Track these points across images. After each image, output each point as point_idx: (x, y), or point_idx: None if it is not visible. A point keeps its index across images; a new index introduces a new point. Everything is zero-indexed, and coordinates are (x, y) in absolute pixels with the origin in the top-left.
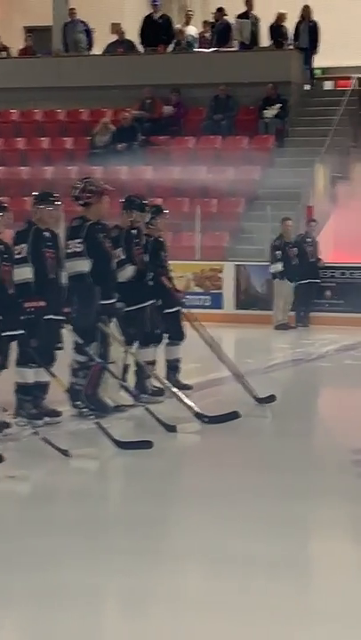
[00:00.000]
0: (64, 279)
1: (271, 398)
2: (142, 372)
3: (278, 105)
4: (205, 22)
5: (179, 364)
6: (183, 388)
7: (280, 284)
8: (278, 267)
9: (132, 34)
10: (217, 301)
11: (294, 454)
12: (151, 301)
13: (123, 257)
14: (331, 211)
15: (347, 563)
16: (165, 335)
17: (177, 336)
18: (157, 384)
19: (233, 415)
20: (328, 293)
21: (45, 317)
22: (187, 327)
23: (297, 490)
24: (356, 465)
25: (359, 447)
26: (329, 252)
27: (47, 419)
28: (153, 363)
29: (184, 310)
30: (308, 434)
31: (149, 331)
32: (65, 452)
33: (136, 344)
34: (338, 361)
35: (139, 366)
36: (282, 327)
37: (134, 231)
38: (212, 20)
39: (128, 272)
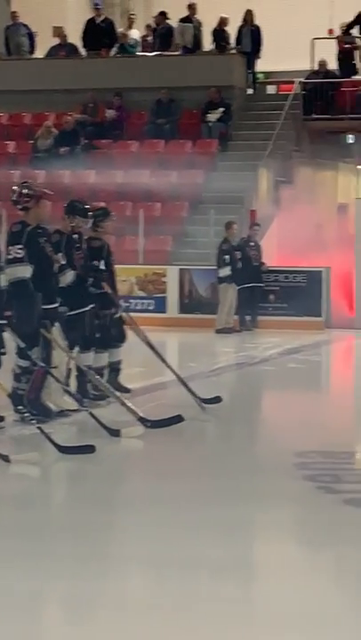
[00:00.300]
0: (3, 283)
1: (217, 399)
2: (83, 376)
3: (221, 109)
4: (148, 26)
5: (119, 367)
6: (123, 390)
7: (225, 287)
8: (227, 271)
9: (75, 37)
10: (160, 305)
11: (238, 458)
12: (91, 306)
13: (63, 262)
14: (274, 214)
15: (291, 565)
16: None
17: (119, 338)
18: (99, 389)
19: (176, 419)
20: (272, 297)
21: None
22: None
23: (241, 493)
24: (299, 468)
25: (302, 450)
26: (272, 255)
27: None
28: (102, 368)
29: (124, 314)
30: (251, 437)
31: (90, 335)
32: (5, 458)
33: (77, 348)
34: (281, 364)
35: (79, 371)
36: (225, 331)
37: (76, 236)
38: (154, 23)
39: (68, 277)
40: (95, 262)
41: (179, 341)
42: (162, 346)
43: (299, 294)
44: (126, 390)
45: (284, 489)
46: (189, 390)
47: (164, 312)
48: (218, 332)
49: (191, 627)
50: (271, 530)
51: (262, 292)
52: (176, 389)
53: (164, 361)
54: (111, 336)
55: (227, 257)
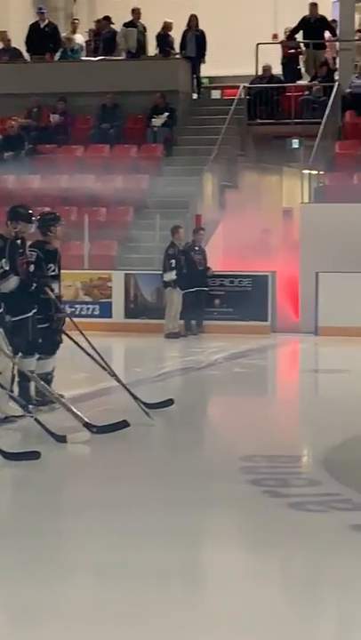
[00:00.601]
0: None
1: (169, 402)
2: (25, 381)
3: (166, 114)
4: (92, 31)
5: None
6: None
7: (171, 292)
8: (172, 275)
9: (19, 42)
10: (106, 310)
11: (184, 463)
12: (34, 311)
13: (6, 268)
14: (219, 219)
15: (237, 570)
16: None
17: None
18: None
19: (122, 424)
20: (217, 302)
21: None
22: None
23: (187, 498)
24: (244, 472)
25: (248, 454)
26: (218, 260)
27: None
28: (48, 373)
29: (67, 320)
30: (197, 442)
31: (33, 340)
32: None
33: (19, 354)
34: (227, 369)
35: (22, 376)
36: (173, 336)
37: (19, 242)
38: (98, 28)
39: (12, 283)
40: (51, 265)
41: (125, 346)
42: (108, 351)
43: (244, 299)
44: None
45: (229, 493)
46: (133, 396)
47: (109, 317)
48: (166, 336)
49: (138, 633)
50: (217, 534)
51: (208, 296)
52: (121, 394)
53: (105, 368)
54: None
55: (173, 261)
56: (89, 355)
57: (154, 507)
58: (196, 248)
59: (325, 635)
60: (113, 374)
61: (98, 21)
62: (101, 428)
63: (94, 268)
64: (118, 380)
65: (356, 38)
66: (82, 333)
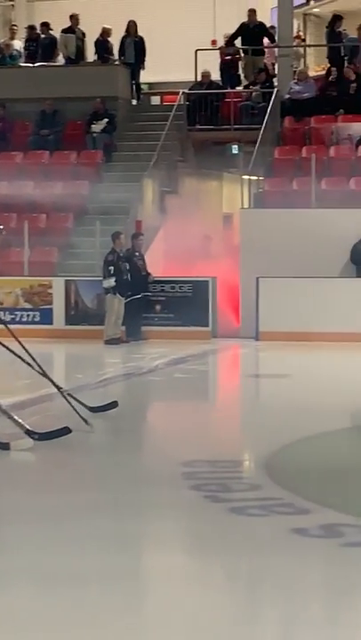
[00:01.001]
0: None
1: (112, 405)
2: None
3: (106, 120)
4: (30, 37)
5: None
6: None
7: (111, 298)
8: (111, 282)
9: None
10: (46, 317)
11: (125, 469)
12: None
13: None
14: (160, 225)
15: (179, 576)
16: None
17: None
18: None
19: (64, 431)
20: (158, 307)
21: None
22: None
23: (129, 504)
24: (185, 477)
25: (189, 459)
26: (158, 265)
27: None
28: None
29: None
30: (138, 448)
31: None
32: None
33: None
34: (168, 374)
35: None
36: (113, 342)
37: None
38: (36, 34)
39: None
40: None
41: (66, 353)
42: (49, 358)
43: (185, 304)
44: None
45: (171, 499)
46: (71, 404)
47: (50, 324)
48: (107, 342)
49: (81, 638)
50: (159, 540)
51: (148, 302)
52: (63, 401)
53: (44, 375)
54: None
55: (111, 268)
56: (26, 362)
57: (96, 513)
58: (137, 254)
59: (269, 637)
60: (52, 382)
61: (31, 27)
62: (43, 434)
63: (34, 274)
64: (56, 387)
65: (295, 44)
66: (17, 340)
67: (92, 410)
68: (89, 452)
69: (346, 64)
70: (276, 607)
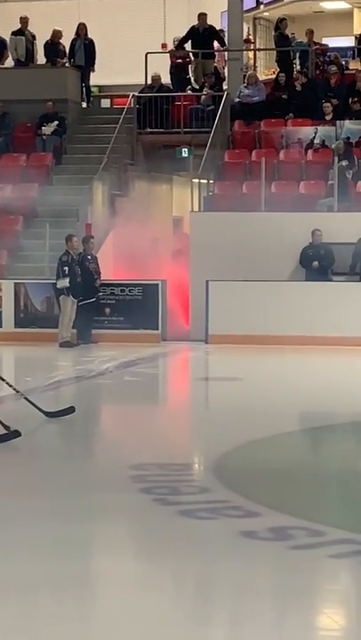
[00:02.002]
0: None
1: (69, 410)
2: None
3: (56, 122)
4: None
5: None
6: None
7: (65, 300)
8: (66, 282)
9: None
10: None
11: (75, 473)
12: None
13: None
14: (110, 228)
15: (128, 580)
16: None
17: None
18: None
19: (13, 434)
20: (108, 310)
21: None
22: None
23: (77, 509)
24: (135, 481)
25: (138, 463)
26: (108, 268)
27: None
28: None
29: None
30: (88, 451)
31: None
32: None
33: None
34: (118, 377)
35: None
36: (67, 345)
37: None
38: None
39: None
40: None
41: (15, 356)
42: None
43: (135, 307)
44: None
45: (120, 503)
46: (31, 402)
47: None
48: (61, 345)
49: None
50: (108, 544)
51: (98, 305)
52: (12, 404)
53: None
54: None
55: (66, 268)
56: None
57: (44, 517)
58: (89, 257)
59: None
60: (7, 384)
61: None
62: None
63: None
64: (15, 389)
65: (245, 48)
66: None
67: (48, 415)
68: (38, 456)
69: (296, 68)
70: (225, 610)
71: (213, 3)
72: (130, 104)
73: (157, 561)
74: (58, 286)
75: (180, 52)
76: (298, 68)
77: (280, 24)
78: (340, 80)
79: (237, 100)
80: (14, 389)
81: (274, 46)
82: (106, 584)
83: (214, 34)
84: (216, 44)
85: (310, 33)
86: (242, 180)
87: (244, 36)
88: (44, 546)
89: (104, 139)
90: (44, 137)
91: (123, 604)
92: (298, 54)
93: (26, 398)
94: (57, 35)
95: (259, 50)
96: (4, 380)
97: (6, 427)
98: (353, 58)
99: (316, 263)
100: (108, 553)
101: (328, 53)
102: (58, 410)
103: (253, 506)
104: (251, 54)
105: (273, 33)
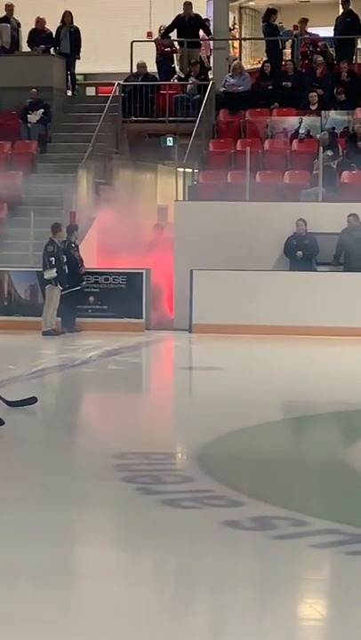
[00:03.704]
0: None
1: (31, 400)
2: None
3: (41, 110)
4: None
5: None
6: None
7: (51, 289)
8: (53, 272)
9: None
10: None
11: (57, 461)
12: None
13: None
14: (94, 216)
15: (110, 568)
16: None
17: None
18: None
19: None
20: (92, 299)
21: None
22: None
23: (59, 497)
24: (118, 469)
25: (121, 452)
26: (92, 257)
27: None
28: None
29: None
30: (70, 440)
31: None
32: None
33: None
34: (101, 366)
35: None
36: (52, 333)
37: None
38: None
39: None
40: None
41: None
42: None
43: (119, 296)
44: None
45: (102, 491)
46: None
47: None
48: (45, 334)
49: (10, 633)
50: (90, 532)
51: (82, 293)
52: None
53: None
54: None
55: (52, 259)
56: None
57: (26, 505)
58: (73, 245)
59: (199, 629)
60: None
61: None
62: None
63: None
64: None
65: (230, 37)
66: None
67: (10, 404)
68: (20, 445)
69: (284, 58)
70: (208, 600)
71: None
72: (115, 92)
73: (140, 550)
74: (45, 277)
75: (166, 40)
76: (287, 57)
77: (270, 15)
78: (326, 70)
79: (223, 89)
80: None
81: (260, 35)
82: (87, 572)
83: (200, 23)
84: (202, 33)
85: (303, 22)
86: (226, 169)
87: (230, 25)
88: (26, 533)
89: (89, 127)
90: (30, 125)
91: (104, 592)
92: (286, 43)
93: None
94: (41, 22)
95: (244, 39)
96: None
97: None
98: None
99: (300, 253)
100: (90, 541)
101: (318, 43)
102: (19, 399)
103: (236, 495)
104: (236, 44)
105: (261, 23)
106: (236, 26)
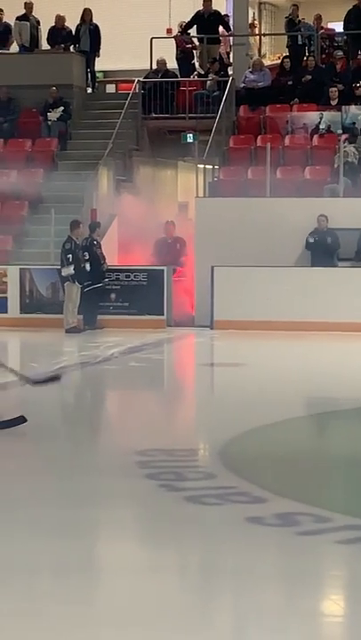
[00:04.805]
0: None
1: (55, 378)
2: None
3: (61, 108)
4: None
5: None
6: None
7: (70, 286)
8: (70, 270)
9: None
10: (1, 305)
11: (80, 458)
12: None
13: None
14: (115, 213)
15: (134, 564)
16: None
17: None
18: None
19: (19, 420)
20: (113, 296)
21: None
22: None
23: (83, 493)
24: (141, 466)
25: (144, 448)
26: (113, 254)
27: None
28: None
29: None
30: (93, 437)
31: None
32: None
33: None
34: (123, 363)
35: None
36: (74, 330)
37: None
38: None
39: None
40: None
41: (21, 342)
42: (4, 346)
43: (140, 293)
44: None
45: (126, 488)
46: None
47: (5, 312)
48: (68, 331)
49: (34, 628)
50: (114, 528)
51: (104, 290)
52: (18, 390)
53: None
54: None
55: (70, 256)
56: None
57: (49, 502)
58: (95, 242)
59: (223, 625)
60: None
61: None
62: None
63: None
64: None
65: (250, 33)
66: None
67: (35, 383)
68: (44, 441)
69: (307, 53)
70: (230, 596)
71: None
72: (135, 89)
73: (163, 546)
74: (63, 274)
75: (186, 37)
76: (307, 53)
77: (292, 12)
78: (346, 65)
79: (243, 85)
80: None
81: (280, 31)
82: (111, 568)
83: (220, 19)
84: (221, 29)
85: (318, 18)
86: (247, 165)
87: (250, 21)
88: (49, 529)
89: (109, 124)
90: (50, 122)
91: (128, 588)
92: (306, 39)
93: (11, 370)
94: (61, 20)
95: (264, 35)
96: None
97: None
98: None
99: (312, 238)
100: (113, 537)
101: (336, 38)
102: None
103: (260, 491)
104: (257, 40)
105: (280, 18)
106: (256, 22)
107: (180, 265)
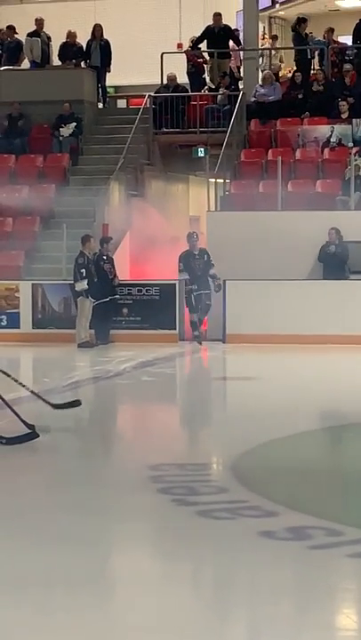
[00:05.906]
0: None
1: (75, 403)
2: None
3: (73, 124)
4: None
5: None
6: None
7: (83, 301)
8: (84, 284)
9: None
10: (14, 321)
11: (93, 472)
12: None
13: None
14: (126, 228)
15: (146, 578)
16: None
17: None
18: None
19: (32, 435)
20: (125, 311)
21: None
22: None
23: (96, 507)
24: (153, 481)
25: (156, 463)
26: (125, 269)
27: None
28: None
29: None
30: (105, 451)
31: None
32: None
33: None
34: (135, 377)
35: None
36: (86, 345)
37: None
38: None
39: None
40: None
41: (33, 357)
42: (16, 362)
43: (152, 307)
44: None
45: (138, 502)
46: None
47: (17, 327)
48: (80, 346)
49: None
50: (126, 543)
51: (116, 305)
52: (31, 405)
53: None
54: None
55: (83, 270)
56: None
57: (62, 514)
58: (104, 257)
59: (235, 639)
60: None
61: (4, 31)
62: (11, 439)
63: (1, 278)
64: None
65: (261, 47)
66: None
67: (56, 407)
68: (56, 455)
69: (314, 67)
70: (243, 610)
71: (229, 2)
72: (146, 104)
73: (175, 560)
74: (76, 289)
75: (196, 51)
76: (316, 66)
77: (299, 24)
78: (356, 78)
79: (253, 99)
80: (21, 385)
81: (289, 45)
82: (123, 582)
83: (230, 33)
84: (231, 43)
85: (330, 32)
86: (258, 179)
87: (260, 35)
88: (63, 542)
89: (120, 139)
90: (61, 138)
91: (140, 602)
92: (316, 53)
93: (32, 392)
94: (72, 36)
95: (275, 49)
96: (8, 375)
97: (30, 425)
98: None
99: (332, 247)
100: (125, 552)
101: (347, 52)
102: (64, 402)
103: (272, 505)
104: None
105: (291, 32)
106: (267, 35)
107: (213, 277)
